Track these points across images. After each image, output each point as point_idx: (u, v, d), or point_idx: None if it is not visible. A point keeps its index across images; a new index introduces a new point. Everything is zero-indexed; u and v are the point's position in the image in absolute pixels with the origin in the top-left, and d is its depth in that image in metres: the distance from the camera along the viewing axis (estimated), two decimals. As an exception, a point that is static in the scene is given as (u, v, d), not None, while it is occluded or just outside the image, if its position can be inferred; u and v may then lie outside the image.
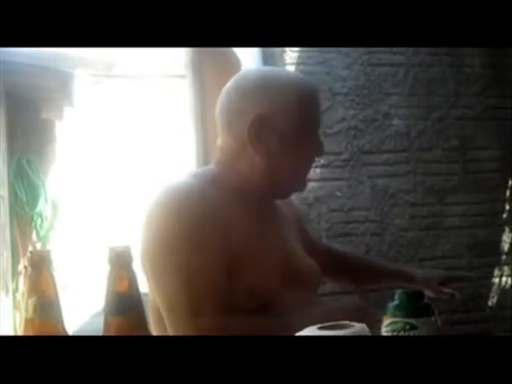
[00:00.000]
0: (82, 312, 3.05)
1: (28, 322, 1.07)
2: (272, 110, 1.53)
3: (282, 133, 1.53)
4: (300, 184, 1.64)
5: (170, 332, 1.46)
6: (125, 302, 1.04)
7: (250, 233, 1.53)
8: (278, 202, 1.70)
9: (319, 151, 1.61)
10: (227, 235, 1.49)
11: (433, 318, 1.15)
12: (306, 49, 3.29)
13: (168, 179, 1.63)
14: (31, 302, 1.06)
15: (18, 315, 3.02)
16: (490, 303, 3.63)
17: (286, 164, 1.56)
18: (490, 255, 3.65)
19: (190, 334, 1.40)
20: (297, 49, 3.28)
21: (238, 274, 1.47)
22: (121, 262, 1.05)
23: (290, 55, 3.28)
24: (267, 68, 1.71)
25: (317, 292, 1.68)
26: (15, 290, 3.06)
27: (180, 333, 1.42)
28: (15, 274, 3.09)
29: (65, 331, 1.09)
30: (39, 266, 1.07)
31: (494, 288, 3.65)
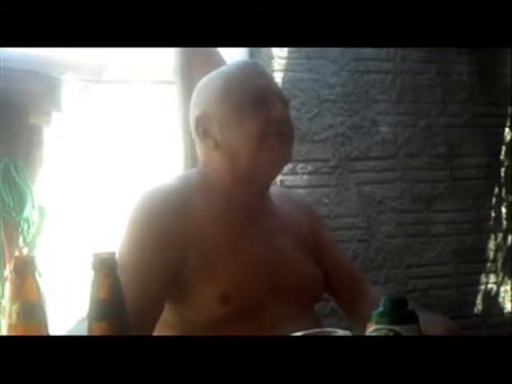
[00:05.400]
0: (68, 318, 3.03)
1: (11, 327, 1.07)
2: (205, 105, 1.58)
3: (219, 119, 1.55)
4: (276, 159, 1.56)
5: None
6: (108, 309, 1.04)
7: (226, 237, 1.52)
8: (281, 205, 1.65)
9: (273, 115, 1.53)
10: (195, 240, 1.48)
11: (416, 325, 1.16)
12: (294, 56, 3.29)
13: (155, 183, 1.63)
14: (15, 307, 1.06)
15: (3, 321, 3.00)
16: (476, 310, 3.64)
17: (240, 145, 1.54)
18: (476, 262, 3.67)
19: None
20: (285, 55, 3.28)
21: (209, 278, 1.47)
22: (105, 269, 1.05)
23: (278, 62, 3.28)
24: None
25: (312, 306, 1.62)
26: (1, 296, 3.05)
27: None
28: (1, 279, 3.08)
29: (48, 337, 1.09)
30: (23, 272, 1.07)
31: (480, 295, 3.66)
